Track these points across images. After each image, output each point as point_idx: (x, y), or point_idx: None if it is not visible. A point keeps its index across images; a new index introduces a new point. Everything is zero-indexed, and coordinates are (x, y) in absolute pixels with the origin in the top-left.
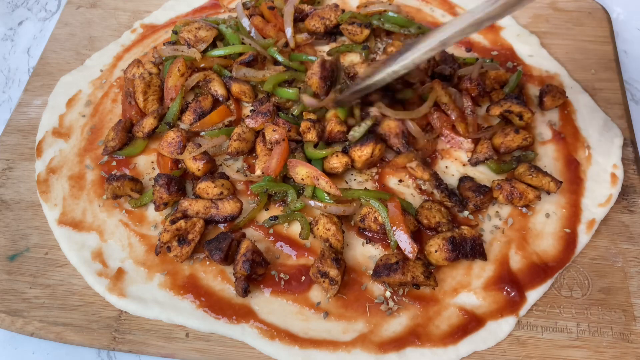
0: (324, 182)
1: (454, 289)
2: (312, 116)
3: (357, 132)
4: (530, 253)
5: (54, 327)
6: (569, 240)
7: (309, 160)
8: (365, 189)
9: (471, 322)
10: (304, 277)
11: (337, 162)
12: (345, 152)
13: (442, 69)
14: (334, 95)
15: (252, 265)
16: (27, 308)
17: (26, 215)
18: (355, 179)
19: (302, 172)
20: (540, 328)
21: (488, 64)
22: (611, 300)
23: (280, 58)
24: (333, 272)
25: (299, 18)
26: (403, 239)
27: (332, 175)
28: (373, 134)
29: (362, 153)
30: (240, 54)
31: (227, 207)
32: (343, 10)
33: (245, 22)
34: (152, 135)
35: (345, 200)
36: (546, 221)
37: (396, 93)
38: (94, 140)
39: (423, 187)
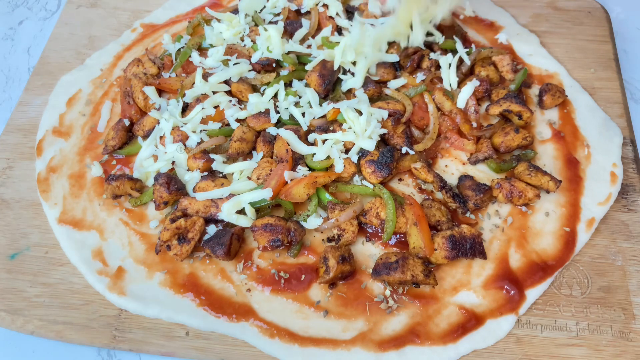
0: (322, 179)
1: (453, 288)
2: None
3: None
4: (530, 252)
5: (54, 326)
6: (569, 238)
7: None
8: (363, 185)
9: (471, 321)
10: (303, 276)
11: (344, 173)
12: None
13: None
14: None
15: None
16: (27, 307)
17: (26, 214)
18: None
19: (299, 190)
20: (540, 326)
21: (486, 50)
22: (611, 298)
23: (287, 64)
24: (332, 264)
25: None
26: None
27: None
28: (390, 153)
29: (374, 175)
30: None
31: None
32: None
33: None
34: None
35: (347, 200)
36: (546, 220)
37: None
38: (94, 139)
39: (423, 187)
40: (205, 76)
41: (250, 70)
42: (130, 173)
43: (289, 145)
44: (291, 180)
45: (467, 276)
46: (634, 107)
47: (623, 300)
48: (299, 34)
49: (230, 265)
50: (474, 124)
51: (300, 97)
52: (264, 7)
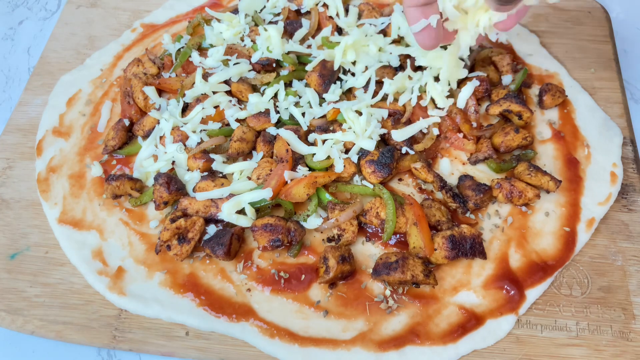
0: (322, 179)
1: (453, 288)
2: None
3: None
4: (530, 252)
5: (54, 326)
6: (569, 238)
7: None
8: (363, 185)
9: (471, 321)
10: (303, 276)
11: (344, 173)
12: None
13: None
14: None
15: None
16: (27, 307)
17: (26, 214)
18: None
19: (299, 190)
20: (540, 326)
21: (486, 50)
22: (611, 298)
23: (287, 64)
24: (331, 262)
25: None
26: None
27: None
28: (390, 153)
29: (374, 175)
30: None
31: None
32: None
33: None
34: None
35: (347, 200)
36: (546, 220)
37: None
38: (94, 139)
39: (423, 187)
40: (205, 76)
41: (250, 70)
42: (130, 173)
43: (289, 145)
44: (291, 180)
45: (467, 276)
46: (634, 107)
47: (623, 300)
48: (299, 34)
49: (230, 265)
50: (474, 124)
51: (300, 97)
52: (264, 7)
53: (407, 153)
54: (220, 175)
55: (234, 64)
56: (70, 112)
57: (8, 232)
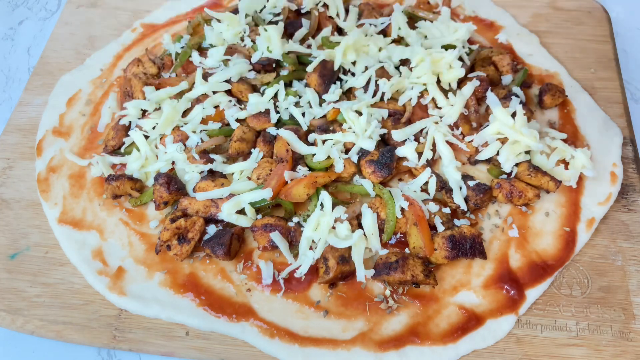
0: (322, 179)
1: (453, 288)
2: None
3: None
4: (530, 252)
5: (54, 326)
6: (569, 238)
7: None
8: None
9: (471, 321)
10: (303, 276)
11: (344, 173)
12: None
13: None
14: None
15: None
16: (27, 307)
17: (26, 214)
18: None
19: (299, 190)
20: (540, 326)
21: (486, 50)
22: (611, 298)
23: (287, 64)
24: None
25: None
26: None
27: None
28: (390, 153)
29: (374, 175)
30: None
31: None
32: None
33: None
34: None
35: (347, 200)
36: (546, 220)
37: None
38: (94, 139)
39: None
40: (206, 76)
41: (250, 70)
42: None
43: (289, 145)
44: (291, 180)
45: (467, 276)
46: (634, 107)
47: (623, 300)
48: (299, 34)
49: (230, 265)
50: (474, 124)
51: (300, 97)
52: (264, 7)
53: None
54: (220, 175)
55: (234, 64)
56: (70, 112)
57: (8, 232)
